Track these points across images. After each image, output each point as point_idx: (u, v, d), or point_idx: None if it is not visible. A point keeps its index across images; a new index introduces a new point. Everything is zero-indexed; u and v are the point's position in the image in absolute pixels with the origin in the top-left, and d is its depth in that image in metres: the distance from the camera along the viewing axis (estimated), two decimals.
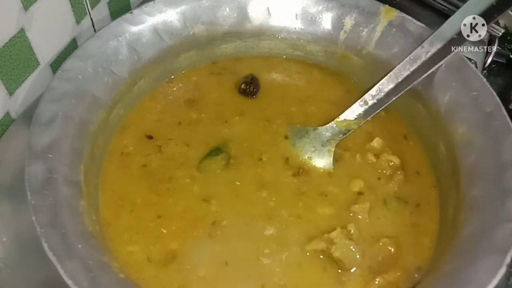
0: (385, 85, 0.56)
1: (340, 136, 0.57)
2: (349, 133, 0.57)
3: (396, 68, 0.56)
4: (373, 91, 0.57)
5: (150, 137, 0.56)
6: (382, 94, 0.56)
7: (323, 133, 0.57)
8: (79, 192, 0.46)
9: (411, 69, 0.55)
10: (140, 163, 0.54)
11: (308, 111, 0.60)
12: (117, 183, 0.52)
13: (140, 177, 0.53)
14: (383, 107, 0.57)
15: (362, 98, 0.57)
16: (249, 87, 0.61)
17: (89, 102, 0.52)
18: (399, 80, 0.56)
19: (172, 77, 0.63)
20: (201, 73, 0.64)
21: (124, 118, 0.57)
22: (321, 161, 0.55)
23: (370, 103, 0.57)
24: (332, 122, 0.57)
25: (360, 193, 0.53)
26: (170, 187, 0.52)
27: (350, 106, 0.57)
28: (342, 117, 0.57)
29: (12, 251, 0.48)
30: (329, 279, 0.47)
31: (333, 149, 0.56)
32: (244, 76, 0.63)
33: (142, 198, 0.51)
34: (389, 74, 0.56)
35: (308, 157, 0.56)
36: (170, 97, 0.61)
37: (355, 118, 0.57)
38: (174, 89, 0.62)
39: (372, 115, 0.57)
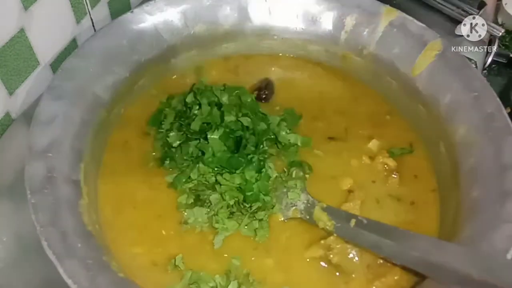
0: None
1: (306, 217, 0.50)
2: (314, 224, 0.50)
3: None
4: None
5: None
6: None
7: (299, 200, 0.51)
8: (79, 191, 0.46)
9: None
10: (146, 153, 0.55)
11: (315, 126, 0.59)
12: (119, 173, 0.53)
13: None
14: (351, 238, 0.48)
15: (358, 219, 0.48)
16: (263, 92, 0.60)
17: (89, 101, 0.52)
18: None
19: (185, 70, 0.63)
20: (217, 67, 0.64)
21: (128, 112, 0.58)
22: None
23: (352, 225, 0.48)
24: (317, 204, 0.50)
25: (350, 191, 0.53)
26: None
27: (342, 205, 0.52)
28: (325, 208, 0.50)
29: (12, 251, 0.48)
30: (330, 284, 0.47)
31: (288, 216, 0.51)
32: (259, 80, 0.62)
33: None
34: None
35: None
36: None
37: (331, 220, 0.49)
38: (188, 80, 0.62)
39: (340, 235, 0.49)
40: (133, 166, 0.53)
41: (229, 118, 0.53)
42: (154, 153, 0.54)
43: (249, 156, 0.51)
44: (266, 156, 0.53)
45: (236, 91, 0.56)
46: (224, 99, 0.55)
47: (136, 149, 0.55)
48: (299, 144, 0.55)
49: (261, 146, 0.53)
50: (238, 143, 0.52)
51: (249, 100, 0.56)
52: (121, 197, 0.51)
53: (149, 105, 0.59)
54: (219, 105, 0.54)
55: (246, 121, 0.53)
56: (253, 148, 0.51)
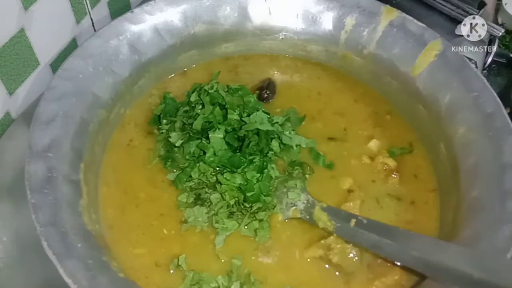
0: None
1: (306, 217, 0.50)
2: (313, 224, 0.50)
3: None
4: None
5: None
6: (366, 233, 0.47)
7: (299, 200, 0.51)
8: (79, 191, 0.46)
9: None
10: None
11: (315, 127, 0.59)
12: (121, 173, 0.53)
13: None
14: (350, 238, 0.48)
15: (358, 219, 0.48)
16: (265, 92, 0.60)
17: (89, 101, 0.52)
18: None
19: (185, 69, 0.63)
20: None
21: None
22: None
23: (352, 225, 0.48)
24: (317, 204, 0.50)
25: (350, 191, 0.53)
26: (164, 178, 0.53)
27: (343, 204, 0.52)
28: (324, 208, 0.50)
29: (12, 251, 0.48)
30: (330, 284, 0.47)
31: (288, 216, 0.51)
32: (261, 80, 0.62)
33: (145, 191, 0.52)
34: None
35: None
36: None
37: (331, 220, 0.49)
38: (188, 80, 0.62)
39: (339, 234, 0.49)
40: (136, 165, 0.54)
41: (233, 116, 0.53)
42: (157, 152, 0.54)
43: (251, 157, 0.51)
44: (270, 157, 0.53)
45: (239, 92, 0.56)
46: (228, 99, 0.55)
47: (140, 149, 0.55)
48: (304, 146, 0.55)
49: (266, 146, 0.53)
50: (241, 143, 0.52)
51: (251, 100, 0.56)
52: (123, 196, 0.51)
53: (149, 105, 0.59)
54: (222, 105, 0.54)
55: (249, 120, 0.53)
56: (255, 148, 0.51)
